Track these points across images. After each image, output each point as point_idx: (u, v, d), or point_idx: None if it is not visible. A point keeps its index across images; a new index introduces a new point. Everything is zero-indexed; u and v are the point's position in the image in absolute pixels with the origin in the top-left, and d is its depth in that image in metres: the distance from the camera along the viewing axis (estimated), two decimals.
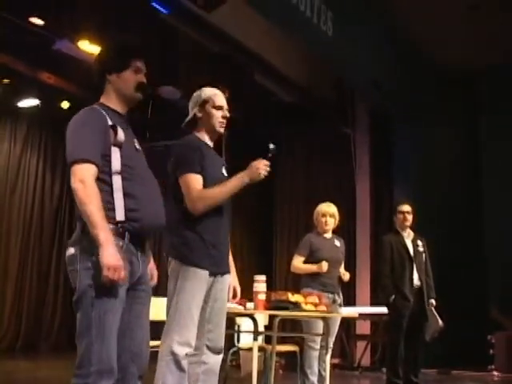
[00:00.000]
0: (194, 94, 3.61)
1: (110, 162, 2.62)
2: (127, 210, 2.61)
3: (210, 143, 3.60)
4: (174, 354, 3.21)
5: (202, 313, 3.37)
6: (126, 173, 2.65)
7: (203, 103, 3.55)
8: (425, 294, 6.08)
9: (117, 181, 2.62)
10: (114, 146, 2.65)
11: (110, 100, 2.80)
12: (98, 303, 2.53)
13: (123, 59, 2.82)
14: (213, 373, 3.43)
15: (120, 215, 2.59)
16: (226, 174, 3.57)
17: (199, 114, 3.55)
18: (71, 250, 2.60)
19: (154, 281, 2.93)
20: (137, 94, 2.84)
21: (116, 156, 2.64)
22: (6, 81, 9.53)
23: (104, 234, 2.46)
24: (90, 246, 2.51)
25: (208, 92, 3.57)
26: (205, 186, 3.37)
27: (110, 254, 2.45)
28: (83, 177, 2.51)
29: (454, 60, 10.12)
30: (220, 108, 3.55)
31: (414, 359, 6.11)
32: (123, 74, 2.80)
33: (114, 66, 2.81)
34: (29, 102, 10.36)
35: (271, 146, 3.53)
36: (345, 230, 10.82)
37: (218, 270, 3.41)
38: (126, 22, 7.76)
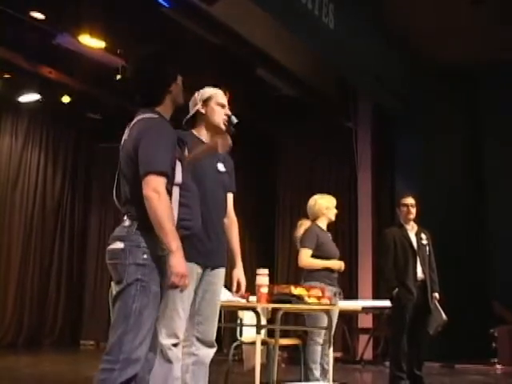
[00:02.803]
0: (195, 94, 3.65)
1: (173, 174, 2.82)
2: (181, 219, 2.84)
3: (207, 140, 3.59)
4: (160, 346, 3.22)
5: (192, 305, 3.40)
6: (184, 184, 2.88)
7: (207, 100, 3.59)
8: (428, 288, 6.05)
9: (176, 192, 2.84)
10: (178, 160, 2.86)
11: (166, 110, 2.95)
12: (140, 297, 2.68)
13: (177, 69, 2.99)
14: (202, 364, 3.45)
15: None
16: (222, 170, 3.57)
17: (202, 110, 3.58)
18: (120, 245, 2.73)
19: None
20: (181, 99, 3.02)
21: (179, 169, 2.85)
22: (6, 75, 9.51)
23: (176, 243, 2.67)
24: (146, 245, 2.71)
25: (210, 90, 3.64)
26: (194, 179, 3.35)
27: (180, 263, 2.68)
28: (158, 188, 2.68)
29: (454, 57, 10.12)
30: (222, 106, 3.60)
31: (418, 353, 6.08)
32: (178, 83, 2.98)
33: (174, 76, 2.97)
34: (30, 97, 10.34)
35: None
36: (346, 223, 10.84)
37: (206, 262, 3.41)
38: (127, 17, 7.74)
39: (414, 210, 6.20)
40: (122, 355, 2.62)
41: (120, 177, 2.89)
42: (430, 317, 6.05)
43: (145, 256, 2.70)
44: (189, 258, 3.25)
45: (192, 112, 3.60)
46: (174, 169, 2.81)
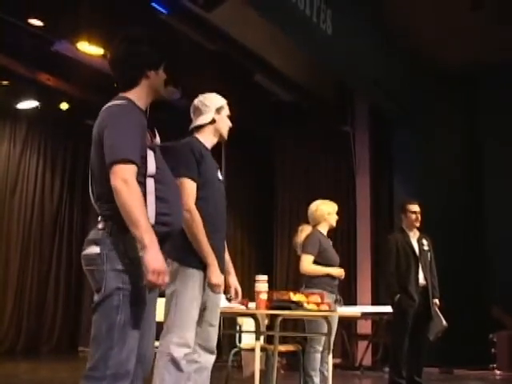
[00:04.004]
0: (200, 99, 3.65)
1: (145, 164, 2.56)
2: (158, 213, 2.54)
3: (209, 147, 3.63)
4: (172, 355, 3.23)
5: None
6: (159, 175, 2.60)
7: (220, 109, 3.62)
8: (430, 294, 6.04)
9: (150, 184, 2.55)
10: (150, 148, 2.61)
11: (140, 96, 2.72)
12: (124, 307, 2.44)
13: (161, 56, 2.78)
14: (205, 370, 3.45)
15: (150, 218, 2.50)
16: (220, 177, 3.62)
17: (216, 118, 3.60)
18: (95, 249, 2.49)
19: None
20: (164, 91, 2.83)
21: (151, 159, 2.59)
22: (5, 82, 9.52)
23: (149, 236, 2.39)
24: (124, 248, 2.48)
25: (220, 99, 3.67)
26: (202, 189, 3.41)
27: (156, 258, 2.39)
28: (126, 177, 2.42)
29: (454, 58, 10.11)
30: (229, 117, 3.66)
31: (417, 359, 6.08)
32: (160, 71, 2.76)
33: (155, 62, 2.75)
34: (28, 104, 10.35)
35: None
36: (345, 228, 10.82)
37: None
38: (126, 23, 7.73)
39: (420, 217, 6.21)
40: (109, 370, 2.39)
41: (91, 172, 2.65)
42: (431, 323, 6.04)
43: (124, 260, 2.46)
44: (198, 265, 3.33)
45: (208, 119, 3.59)
46: (145, 158, 2.55)
